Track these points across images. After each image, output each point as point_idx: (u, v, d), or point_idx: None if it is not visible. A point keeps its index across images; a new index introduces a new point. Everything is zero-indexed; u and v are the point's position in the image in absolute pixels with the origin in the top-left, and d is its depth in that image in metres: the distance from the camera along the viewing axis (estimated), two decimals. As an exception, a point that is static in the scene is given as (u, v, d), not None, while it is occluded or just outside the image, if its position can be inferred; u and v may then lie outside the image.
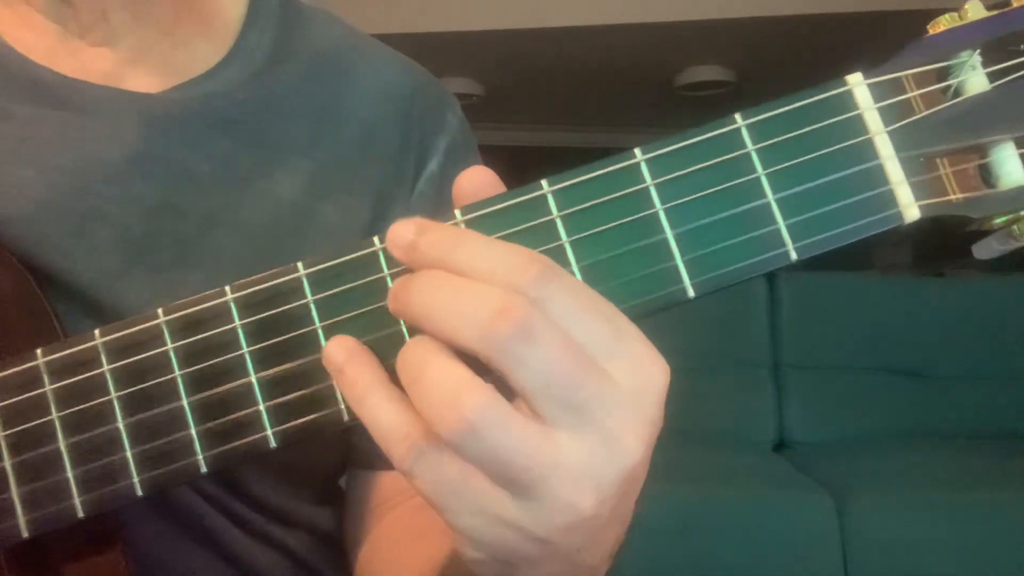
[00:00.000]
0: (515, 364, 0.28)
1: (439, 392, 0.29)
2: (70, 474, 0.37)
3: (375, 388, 0.32)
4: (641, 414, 0.30)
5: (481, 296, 0.29)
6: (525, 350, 0.28)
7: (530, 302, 0.29)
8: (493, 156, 0.55)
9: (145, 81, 0.52)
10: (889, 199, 0.33)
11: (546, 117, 3.86)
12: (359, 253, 0.35)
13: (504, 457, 0.29)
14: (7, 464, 0.38)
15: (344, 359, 0.33)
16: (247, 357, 0.36)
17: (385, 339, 0.34)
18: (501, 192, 0.34)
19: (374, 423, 0.31)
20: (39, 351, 0.38)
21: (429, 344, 0.30)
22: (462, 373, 0.29)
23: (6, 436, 0.38)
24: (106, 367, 0.37)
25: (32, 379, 0.38)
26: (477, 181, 0.34)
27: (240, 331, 0.36)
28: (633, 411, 0.30)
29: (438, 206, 0.57)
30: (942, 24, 0.34)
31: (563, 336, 0.29)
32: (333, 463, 0.59)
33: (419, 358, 0.30)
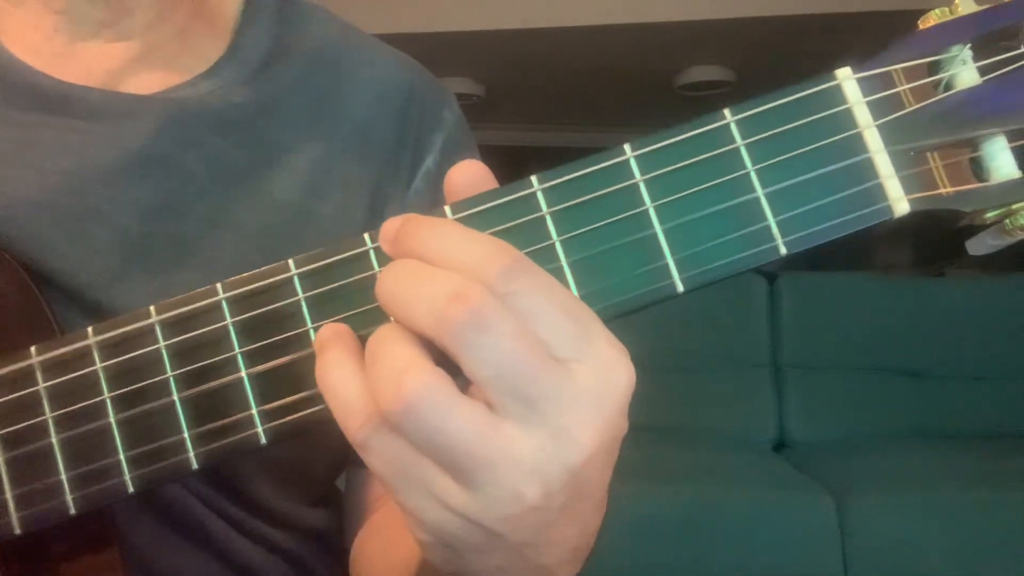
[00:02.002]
0: (467, 350, 0.28)
1: (385, 370, 0.29)
2: (62, 471, 0.37)
3: (342, 363, 0.32)
4: (598, 414, 0.30)
5: (439, 282, 0.29)
6: (477, 337, 0.28)
7: (488, 291, 0.29)
8: (492, 156, 0.55)
9: (147, 80, 0.52)
10: (878, 193, 0.33)
11: (546, 117, 3.85)
12: (350, 252, 0.35)
13: (444, 440, 0.29)
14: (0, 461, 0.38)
15: (327, 338, 0.33)
16: (238, 354, 0.36)
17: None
18: (493, 187, 0.34)
19: (333, 395, 0.31)
20: (33, 349, 0.38)
21: (392, 328, 0.31)
22: (412, 354, 0.29)
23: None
24: (99, 364, 0.37)
25: (26, 377, 0.38)
26: (469, 174, 0.34)
27: (232, 328, 0.36)
28: (590, 410, 0.29)
29: (435, 203, 0.57)
30: (932, 19, 0.34)
31: (519, 328, 0.29)
32: (326, 465, 0.59)
33: (379, 339, 0.30)
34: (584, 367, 0.30)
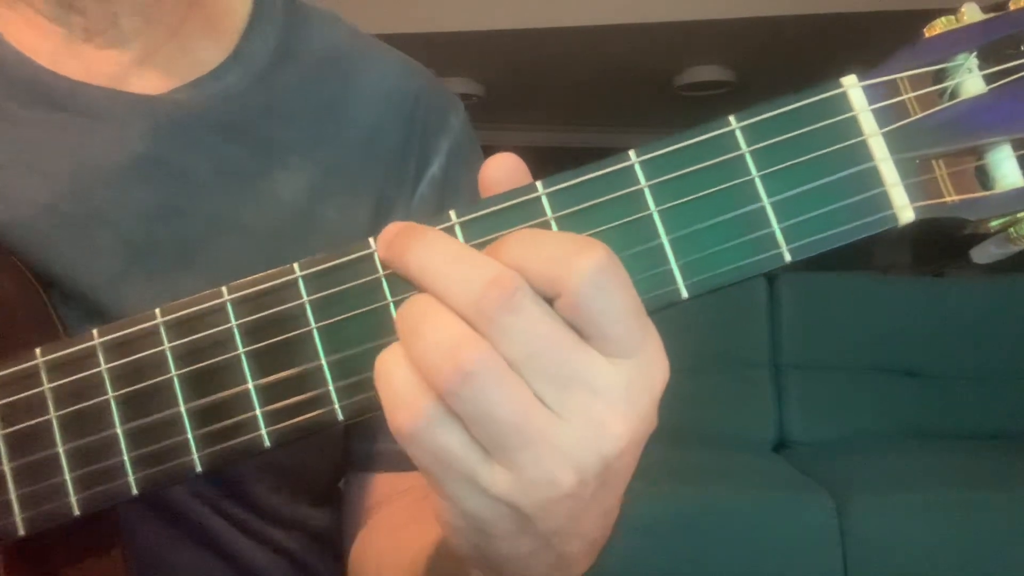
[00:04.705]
0: (500, 331, 0.29)
1: (439, 343, 0.29)
2: (66, 472, 0.37)
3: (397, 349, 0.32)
4: (633, 407, 0.30)
5: (478, 264, 0.30)
6: (512, 319, 0.29)
7: (523, 279, 0.29)
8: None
9: (150, 83, 0.52)
10: (883, 201, 0.33)
11: (546, 117, 3.86)
12: (355, 255, 0.35)
13: (497, 413, 0.29)
14: (4, 462, 0.38)
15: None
16: (243, 357, 0.36)
17: (379, 337, 0.34)
18: (527, 181, 0.34)
19: (387, 382, 0.31)
20: (38, 350, 0.38)
21: (430, 300, 0.31)
22: (463, 327, 0.29)
23: (3, 434, 0.38)
24: (103, 366, 0.37)
25: (31, 377, 0.38)
26: (505, 168, 0.34)
27: (236, 331, 0.36)
28: (625, 401, 0.30)
29: (440, 208, 0.57)
30: (938, 27, 0.34)
31: (550, 312, 0.30)
32: (328, 468, 0.59)
33: (419, 312, 0.30)
34: (626, 361, 0.30)
